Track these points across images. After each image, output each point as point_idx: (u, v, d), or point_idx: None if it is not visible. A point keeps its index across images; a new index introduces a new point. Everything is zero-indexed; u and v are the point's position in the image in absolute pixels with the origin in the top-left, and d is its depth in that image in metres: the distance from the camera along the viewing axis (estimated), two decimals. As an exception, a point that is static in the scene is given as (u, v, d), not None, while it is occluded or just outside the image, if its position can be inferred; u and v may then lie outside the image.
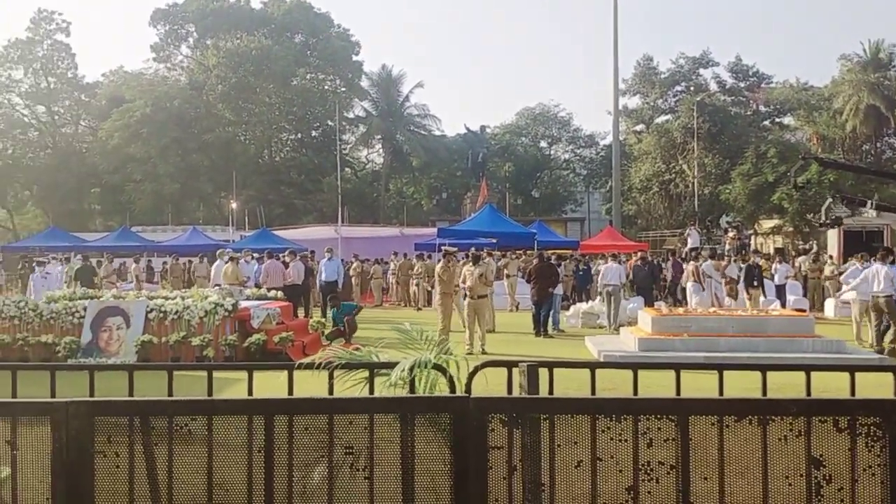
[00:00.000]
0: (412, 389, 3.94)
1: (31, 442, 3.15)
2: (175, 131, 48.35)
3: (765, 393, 4.46)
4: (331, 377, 4.05)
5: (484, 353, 13.71)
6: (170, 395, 3.90)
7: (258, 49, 51.29)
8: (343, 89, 57.20)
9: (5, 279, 24.79)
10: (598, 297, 20.04)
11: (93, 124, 55.90)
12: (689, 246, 27.35)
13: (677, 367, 4.45)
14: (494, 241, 26.60)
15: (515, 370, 4.23)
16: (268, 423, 2.81)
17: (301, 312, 19.49)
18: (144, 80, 54.35)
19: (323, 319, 17.68)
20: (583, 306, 20.10)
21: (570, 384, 4.94)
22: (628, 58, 69.08)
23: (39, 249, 30.07)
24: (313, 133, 58.13)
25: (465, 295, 15.18)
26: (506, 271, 24.03)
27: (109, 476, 2.91)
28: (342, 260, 24.96)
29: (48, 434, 3.04)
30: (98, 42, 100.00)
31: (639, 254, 23.13)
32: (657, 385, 4.97)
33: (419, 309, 24.53)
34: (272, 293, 16.53)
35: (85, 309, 13.42)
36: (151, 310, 13.29)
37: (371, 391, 4.04)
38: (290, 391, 4.08)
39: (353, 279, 26.68)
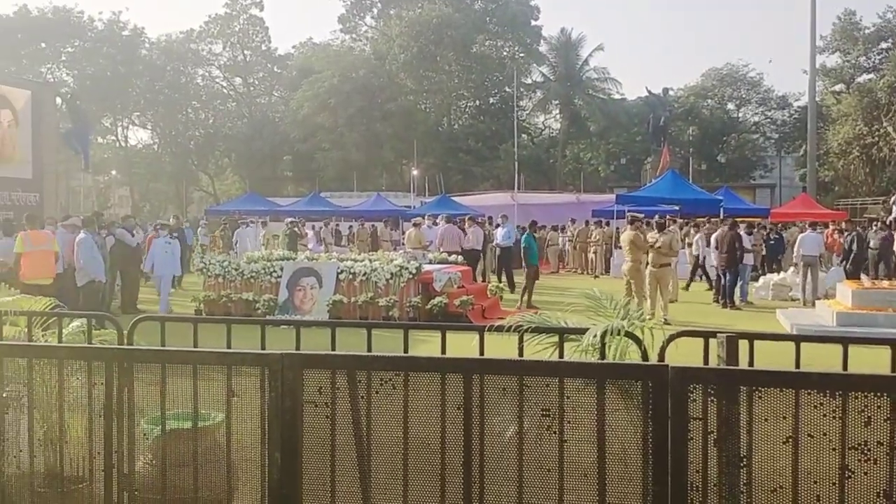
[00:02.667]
0: (602, 356, 3.90)
1: (245, 390, 3.41)
2: (360, 101, 50.02)
3: None
4: (521, 340, 4.08)
5: (666, 322, 13.35)
6: (369, 351, 4.08)
7: (439, 17, 51.96)
8: (521, 55, 56.91)
9: (210, 241, 26.78)
10: (791, 269, 18.95)
11: (285, 95, 58.96)
12: (893, 215, 25.19)
13: (893, 343, 4.12)
14: (677, 208, 25.72)
15: (712, 341, 4.07)
16: (466, 382, 2.87)
17: (479, 278, 19.78)
18: (332, 52, 56.60)
19: (501, 284, 17.88)
20: (774, 277, 19.08)
21: (762, 358, 4.71)
22: (827, 12, 64.02)
23: (239, 213, 32.25)
24: (491, 100, 58.33)
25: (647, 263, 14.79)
26: (688, 239, 23.19)
27: (317, 425, 3.09)
28: (518, 226, 25.04)
29: (258, 384, 3.27)
30: (289, 15, 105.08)
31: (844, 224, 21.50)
32: (862, 362, 4.64)
33: (596, 276, 24.22)
34: (453, 257, 16.88)
35: (282, 269, 14.29)
36: (342, 271, 13.96)
37: (560, 356, 4.04)
38: (482, 352, 4.16)
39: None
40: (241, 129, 57.43)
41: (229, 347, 4.26)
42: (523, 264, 17.32)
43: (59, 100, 23.09)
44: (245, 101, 60.58)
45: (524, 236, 17.77)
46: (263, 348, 4.12)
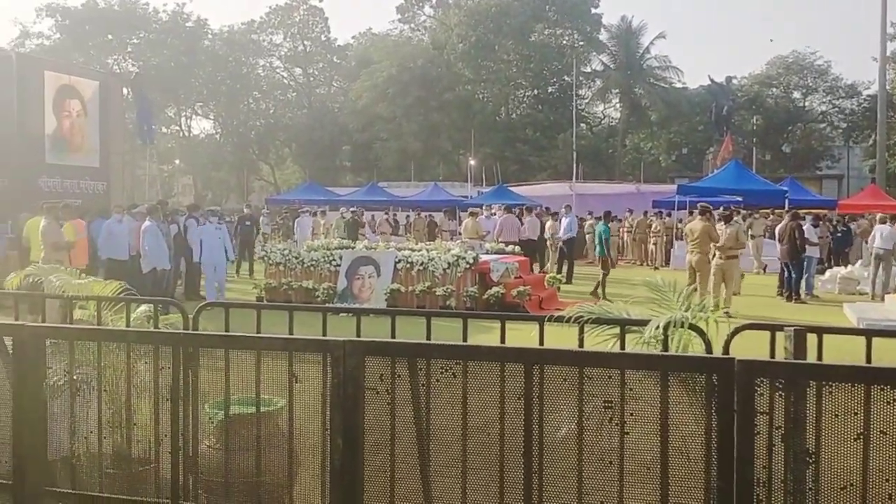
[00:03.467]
0: (665, 348, 3.84)
1: (307, 376, 3.44)
2: (418, 91, 50.14)
3: None
4: (581, 331, 4.04)
5: (729, 315, 13.08)
6: (428, 339, 4.09)
7: (497, 6, 51.74)
8: (581, 43, 56.34)
9: (271, 229, 27.20)
10: (859, 262, 18.41)
11: (344, 85, 59.46)
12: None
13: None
14: (740, 198, 25.18)
15: (779, 334, 3.98)
16: (527, 371, 2.85)
17: (536, 268, 19.68)
18: (390, 42, 56.85)
19: (559, 276, 17.75)
20: (841, 270, 18.55)
21: (830, 352, 4.58)
22: (900, -3, 61.62)
23: (299, 202, 32.66)
24: (549, 89, 57.87)
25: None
26: (751, 231, 22.70)
27: (378, 411, 3.11)
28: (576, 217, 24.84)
29: (320, 370, 3.30)
30: (348, 5, 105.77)
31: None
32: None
33: (656, 268, 23.87)
34: (510, 248, 16.82)
35: (341, 258, 14.43)
36: (399, 261, 14.03)
37: (622, 348, 3.99)
38: (541, 342, 4.13)
39: (587, 236, 26.49)
40: (301, 119, 58.09)
41: (291, 334, 4.31)
42: (595, 254, 17.03)
43: (125, 89, 23.57)
44: (305, 92, 61.25)
45: (599, 226, 17.31)
46: (325, 335, 4.16)
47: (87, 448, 4.00)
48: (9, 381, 3.54)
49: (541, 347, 3.54)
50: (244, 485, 3.66)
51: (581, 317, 4.04)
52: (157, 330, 4.60)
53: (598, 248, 17.04)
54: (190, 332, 4.24)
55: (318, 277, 14.53)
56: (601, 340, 4.14)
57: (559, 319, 4.08)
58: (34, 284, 5.75)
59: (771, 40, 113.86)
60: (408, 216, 31.55)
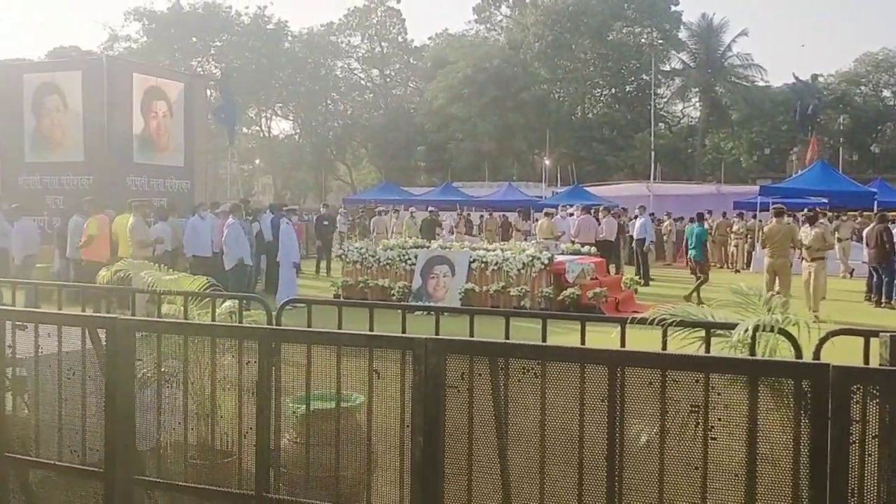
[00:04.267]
0: (751, 353, 3.73)
1: (387, 373, 3.46)
2: (493, 91, 50.10)
3: None
4: (664, 334, 3.96)
5: (816, 320, 12.67)
6: (506, 338, 4.07)
7: (575, 4, 51.33)
8: (660, 41, 55.42)
9: (347, 228, 27.59)
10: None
11: (420, 86, 59.86)
12: None
13: None
14: (825, 200, 24.33)
15: (874, 340, 3.82)
16: (611, 373, 2.81)
17: (613, 269, 19.42)
18: (466, 42, 56.98)
19: (636, 277, 17.49)
20: (933, 275, 17.74)
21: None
22: None
23: (375, 202, 33.00)
24: (627, 88, 57.11)
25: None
26: (838, 234, 21.93)
27: (458, 409, 3.10)
28: (653, 216, 24.44)
29: (400, 367, 3.31)
30: (425, 7, 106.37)
31: None
32: None
33: (737, 271, 23.29)
34: (585, 248, 16.65)
35: (416, 257, 14.53)
36: (474, 260, 14.04)
37: (707, 352, 3.89)
38: (623, 344, 4.06)
39: (664, 237, 26.04)
40: (378, 119, 58.70)
41: (371, 331, 4.34)
42: (690, 258, 16.38)
43: (209, 91, 24.22)
44: (382, 93, 61.89)
45: (695, 228, 16.44)
46: (404, 333, 4.18)
47: (173, 439, 4.11)
48: (101, 372, 3.66)
49: (625, 349, 3.48)
50: (324, 479, 3.70)
51: (664, 319, 3.96)
52: (242, 325, 4.70)
53: (693, 252, 16.20)
54: (274, 327, 4.32)
55: (393, 276, 14.67)
56: (685, 344, 4.05)
57: (641, 322, 4.00)
58: (124, 279, 5.95)
59: (803, 45, 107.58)
60: (481, 216, 31.54)
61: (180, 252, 14.36)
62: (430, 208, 27.04)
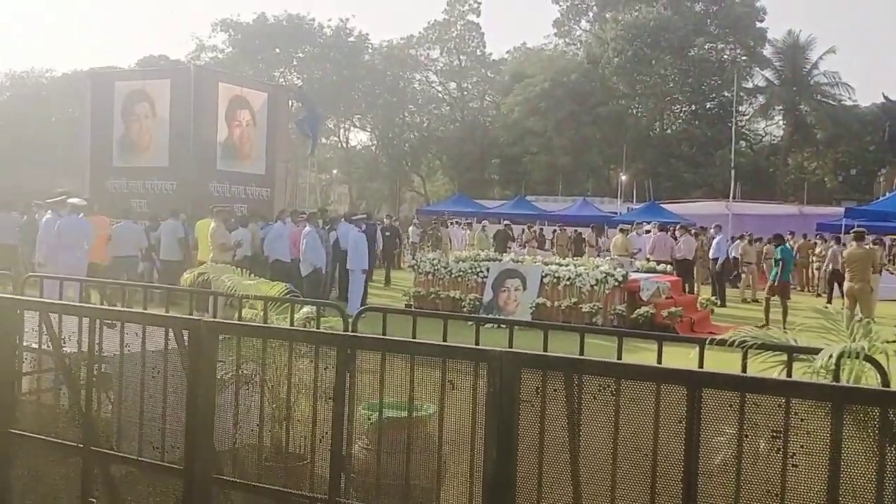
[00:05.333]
0: (835, 379, 3.62)
1: (460, 384, 3.47)
2: (570, 105, 49.85)
3: None
4: (744, 357, 3.87)
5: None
6: (580, 354, 4.03)
7: (656, 20, 50.74)
8: (743, 58, 54.30)
9: (420, 238, 27.76)
10: None
11: (496, 99, 59.95)
12: None
13: None
14: (914, 225, 23.44)
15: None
16: (690, 394, 2.75)
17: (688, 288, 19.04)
18: (544, 56, 56.89)
19: (713, 297, 17.12)
20: None
21: None
22: None
23: (448, 213, 33.16)
24: (708, 104, 56.04)
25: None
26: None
27: (532, 424, 3.09)
28: (732, 238, 23.87)
29: (473, 379, 3.31)
30: (504, 20, 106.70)
31: None
32: None
33: (819, 295, 22.56)
34: (661, 266, 16.39)
35: (488, 270, 14.53)
36: (546, 275, 13.97)
37: (788, 376, 3.79)
38: (701, 365, 3.99)
39: (740, 258, 25.36)
40: (454, 132, 59.03)
41: (444, 342, 4.37)
42: (772, 278, 15.69)
43: (291, 102, 24.76)
44: (458, 106, 62.22)
45: (779, 248, 15.62)
46: (477, 345, 4.19)
47: (249, 440, 4.21)
48: (184, 372, 3.77)
49: (704, 370, 3.41)
50: (394, 487, 3.73)
51: (745, 341, 3.88)
52: (319, 330, 4.78)
53: (775, 272, 15.38)
54: (350, 333, 4.38)
55: (464, 288, 14.70)
56: (765, 368, 3.96)
57: (721, 343, 3.92)
58: (205, 283, 6.13)
59: None
60: (554, 231, 31.37)
61: (259, 257, 14.74)
62: (504, 221, 27.04)
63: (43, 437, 4.18)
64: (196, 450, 3.59)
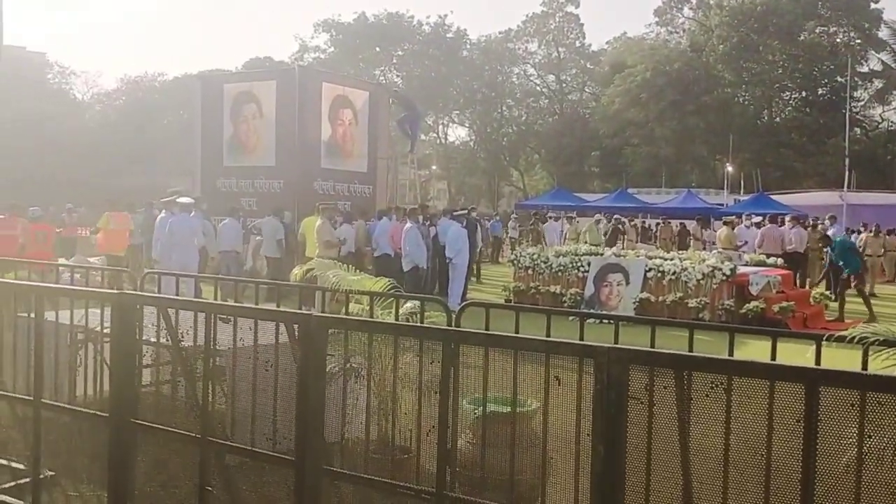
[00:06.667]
0: (966, 378, 3.41)
1: (565, 380, 3.44)
2: (673, 95, 48.71)
3: None
4: (865, 354, 3.70)
5: None
6: (689, 350, 3.94)
7: (764, 4, 48.94)
8: (857, 41, 51.75)
9: (519, 233, 27.67)
10: None
11: (596, 90, 59.17)
12: None
13: None
14: None
15: None
16: (808, 392, 2.64)
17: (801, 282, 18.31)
18: (646, 45, 55.74)
19: (827, 292, 16.40)
20: None
21: None
22: None
23: (546, 207, 32.92)
24: (819, 91, 53.66)
25: None
26: None
27: (641, 421, 3.03)
28: (848, 229, 22.82)
29: (578, 375, 3.27)
30: (604, 11, 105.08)
31: None
32: None
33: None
34: (771, 260, 15.81)
35: (589, 264, 14.34)
36: (650, 269, 13.68)
37: (914, 374, 3.59)
38: (817, 362, 3.83)
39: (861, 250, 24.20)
40: (552, 125, 58.59)
41: (548, 337, 4.34)
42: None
43: (390, 100, 25.08)
44: (557, 98, 61.70)
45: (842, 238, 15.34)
46: (581, 340, 4.14)
47: (357, 432, 4.29)
48: (295, 365, 3.88)
49: (823, 368, 3.27)
50: (499, 482, 3.73)
51: (865, 338, 3.71)
52: (423, 325, 4.83)
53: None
54: (455, 328, 4.41)
55: (565, 283, 14.56)
56: (888, 366, 3.77)
57: (840, 339, 3.76)
58: (312, 279, 6.29)
59: None
60: (657, 224, 30.68)
61: (363, 253, 15.06)
62: (615, 216, 26.60)
63: (162, 427, 4.36)
64: (307, 441, 3.68)
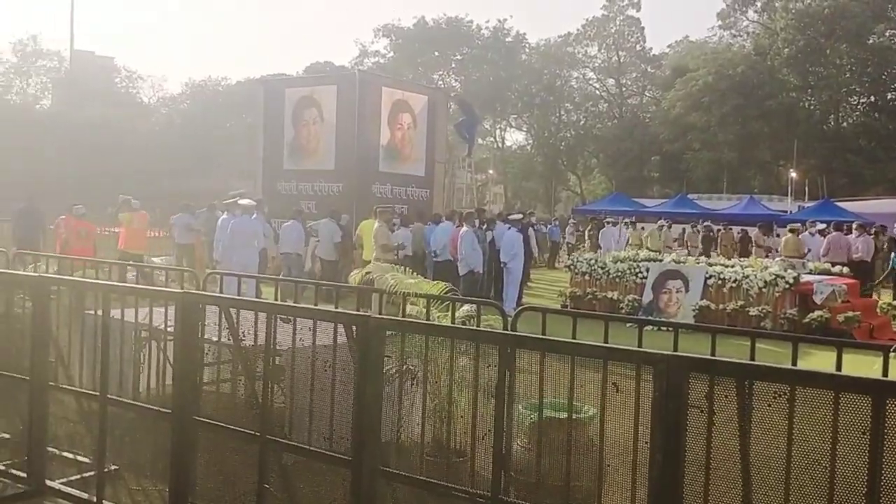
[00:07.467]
0: None
1: (623, 387, 3.41)
2: (736, 99, 47.80)
3: None
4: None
5: None
6: (751, 359, 3.87)
7: (831, 7, 47.71)
8: (930, 44, 50.13)
9: (576, 238, 27.46)
10: None
11: (656, 95, 58.37)
12: None
13: None
14: None
15: None
16: (875, 405, 2.58)
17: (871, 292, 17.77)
18: (708, 49, 54.83)
19: (895, 302, 15.91)
20: None
21: None
22: None
23: (604, 212, 32.59)
24: (889, 95, 52.04)
25: None
26: None
27: (700, 430, 2.99)
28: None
29: (636, 382, 3.24)
30: (666, 14, 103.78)
31: None
32: None
33: None
34: (836, 268, 15.40)
35: (647, 270, 14.17)
36: (710, 276, 13.46)
37: None
38: (885, 374, 3.72)
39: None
40: (611, 129, 57.99)
41: (606, 343, 4.30)
42: None
43: (449, 104, 25.18)
44: (616, 102, 61.07)
45: None
46: (640, 347, 4.10)
47: (412, 434, 4.32)
48: (353, 366, 3.92)
49: (891, 380, 3.18)
50: (554, 488, 3.71)
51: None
52: (480, 328, 4.83)
53: None
54: (512, 332, 4.40)
55: (622, 289, 14.42)
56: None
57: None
58: (369, 281, 6.35)
59: None
60: (718, 230, 30.10)
61: (421, 256, 15.15)
62: (705, 223, 26.25)
63: (222, 424, 4.44)
64: (363, 441, 3.72)
